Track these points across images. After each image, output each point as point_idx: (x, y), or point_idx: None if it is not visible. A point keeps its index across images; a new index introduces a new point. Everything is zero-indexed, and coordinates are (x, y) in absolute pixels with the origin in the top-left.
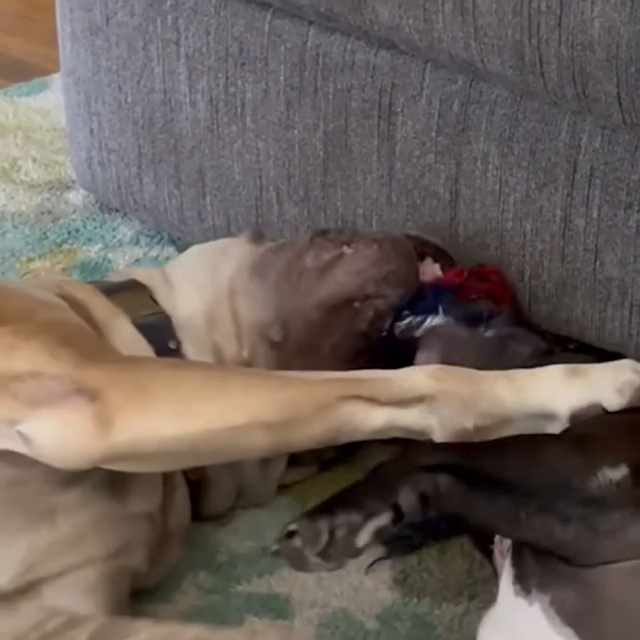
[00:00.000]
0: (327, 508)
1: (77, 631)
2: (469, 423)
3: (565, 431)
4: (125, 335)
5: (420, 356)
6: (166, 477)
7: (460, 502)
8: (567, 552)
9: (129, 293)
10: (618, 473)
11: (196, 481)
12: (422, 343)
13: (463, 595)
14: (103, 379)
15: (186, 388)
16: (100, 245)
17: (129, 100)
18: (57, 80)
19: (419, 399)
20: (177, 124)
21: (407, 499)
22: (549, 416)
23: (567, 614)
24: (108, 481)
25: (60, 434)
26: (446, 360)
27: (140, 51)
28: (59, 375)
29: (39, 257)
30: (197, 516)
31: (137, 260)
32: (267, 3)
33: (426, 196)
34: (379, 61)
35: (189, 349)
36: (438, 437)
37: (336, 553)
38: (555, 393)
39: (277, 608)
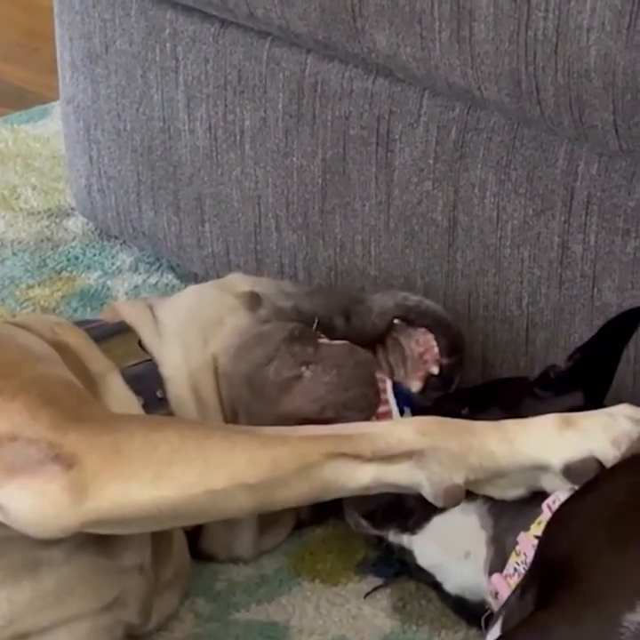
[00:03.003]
0: None
1: None
2: (460, 479)
3: None
4: (114, 388)
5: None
6: (160, 536)
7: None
8: None
9: (116, 340)
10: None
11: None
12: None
13: (461, 623)
14: (80, 443)
15: (163, 450)
16: (100, 272)
17: (128, 127)
18: (56, 108)
19: (407, 454)
20: (176, 151)
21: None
22: (543, 468)
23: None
24: (94, 536)
25: (34, 504)
26: None
27: (139, 79)
28: (36, 439)
29: (38, 284)
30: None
31: (136, 287)
32: (265, 31)
33: (424, 222)
34: (376, 89)
35: (174, 399)
36: (427, 493)
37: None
38: (547, 445)
39: (276, 636)
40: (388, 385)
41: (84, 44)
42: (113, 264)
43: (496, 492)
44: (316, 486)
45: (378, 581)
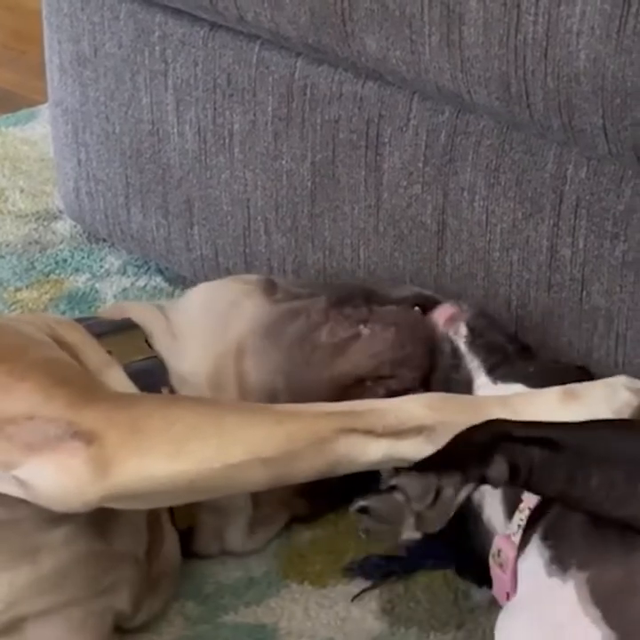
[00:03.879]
0: (433, 465)
1: None
2: None
3: None
4: (113, 382)
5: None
6: (153, 525)
7: (557, 479)
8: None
9: (121, 336)
10: None
11: (185, 528)
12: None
13: (450, 624)
14: (98, 419)
15: (181, 425)
16: (88, 275)
17: (117, 130)
18: (44, 111)
19: (416, 429)
20: (165, 154)
21: (499, 468)
22: None
23: (600, 594)
24: (92, 520)
25: (57, 479)
26: None
27: (128, 81)
28: (54, 417)
29: (26, 287)
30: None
31: (124, 290)
32: (254, 34)
33: (413, 226)
34: (366, 92)
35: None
36: None
37: (431, 516)
38: (551, 417)
39: (264, 638)
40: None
41: (73, 46)
42: (101, 267)
43: None
44: (329, 460)
45: (366, 583)
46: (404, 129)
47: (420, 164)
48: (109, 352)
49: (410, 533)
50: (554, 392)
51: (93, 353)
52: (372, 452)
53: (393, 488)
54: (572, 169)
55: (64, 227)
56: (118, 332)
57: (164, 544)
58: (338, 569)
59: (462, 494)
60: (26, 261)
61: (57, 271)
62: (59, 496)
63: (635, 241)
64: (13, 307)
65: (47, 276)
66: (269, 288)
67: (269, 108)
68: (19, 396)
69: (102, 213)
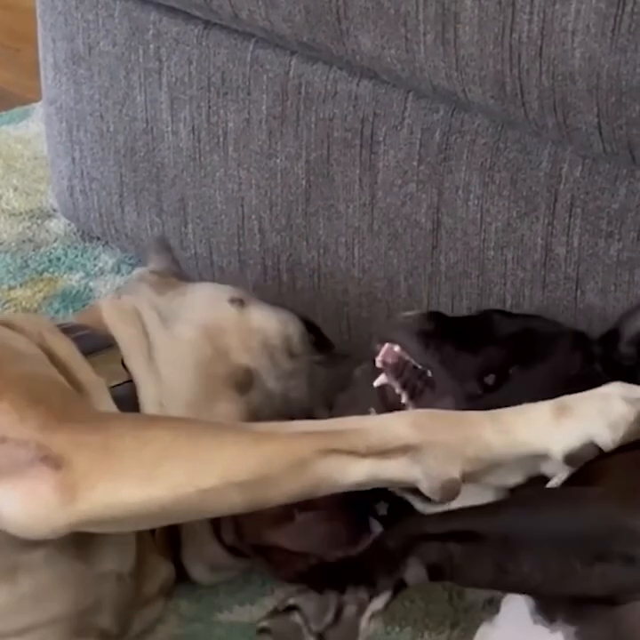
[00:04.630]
0: (334, 581)
1: None
2: (456, 472)
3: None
4: (103, 406)
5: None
6: (143, 544)
7: (485, 570)
8: (620, 592)
9: (102, 358)
10: None
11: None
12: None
13: (445, 624)
14: (68, 443)
15: (154, 448)
16: (82, 274)
17: (111, 128)
18: (38, 109)
19: (402, 449)
20: (159, 152)
21: (415, 572)
22: (542, 457)
23: None
24: (73, 540)
25: (24, 506)
26: None
27: (122, 80)
28: (24, 440)
29: (20, 285)
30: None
31: (118, 289)
32: (249, 33)
33: (407, 224)
34: (361, 91)
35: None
36: (425, 488)
37: (336, 635)
38: (544, 434)
39: None
40: None
41: (67, 45)
42: (95, 265)
43: (494, 480)
44: (308, 483)
45: None
46: (399, 127)
47: (415, 163)
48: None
49: None
50: (545, 407)
51: (84, 372)
52: (354, 473)
53: (290, 608)
54: (567, 168)
55: (58, 225)
56: (102, 352)
57: (157, 565)
58: None
59: (375, 606)
60: (20, 260)
61: (51, 269)
62: (26, 523)
63: (629, 240)
64: (7, 305)
65: (41, 274)
66: (245, 385)
67: (264, 107)
68: None
69: (96, 212)
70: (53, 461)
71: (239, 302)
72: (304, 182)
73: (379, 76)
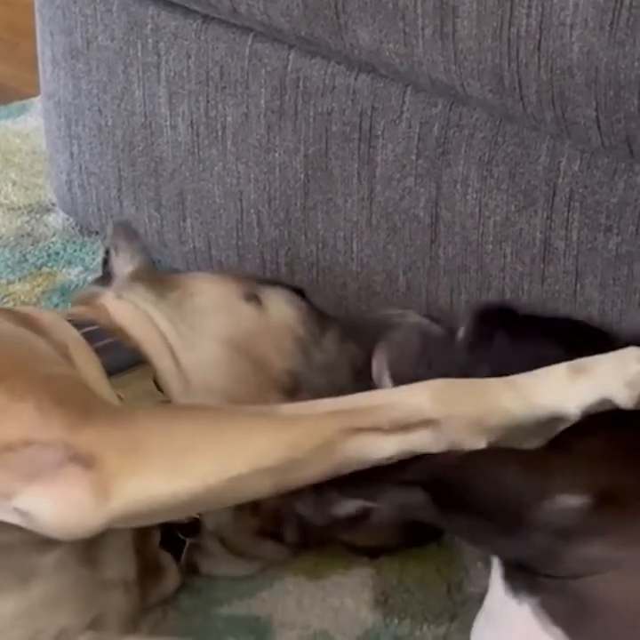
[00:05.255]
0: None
1: None
2: (482, 443)
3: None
4: None
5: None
6: (147, 553)
7: (435, 517)
8: (541, 568)
9: (132, 377)
10: (576, 500)
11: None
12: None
13: (444, 616)
14: (96, 441)
15: (181, 440)
16: (80, 268)
17: (109, 123)
18: (36, 103)
19: (424, 423)
20: (157, 147)
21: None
22: (561, 417)
23: (557, 616)
24: (81, 545)
25: (58, 508)
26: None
27: (121, 74)
28: (51, 441)
29: (19, 280)
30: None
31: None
32: (247, 27)
33: (406, 218)
34: (359, 85)
35: None
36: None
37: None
38: (562, 394)
39: (258, 630)
40: None
41: (65, 39)
42: (94, 260)
43: (515, 443)
44: (335, 462)
45: (362, 574)
46: (397, 121)
47: (414, 157)
48: (119, 396)
49: None
50: (562, 368)
51: (106, 396)
52: (381, 449)
53: None
54: (566, 162)
55: (56, 219)
56: (128, 371)
57: (163, 569)
58: (331, 561)
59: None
60: (18, 254)
61: (49, 264)
62: (62, 525)
63: (628, 233)
64: (5, 299)
65: (39, 268)
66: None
67: (262, 101)
68: (17, 418)
69: (95, 206)
70: (84, 460)
71: (254, 299)
72: (302, 176)
73: (377, 70)
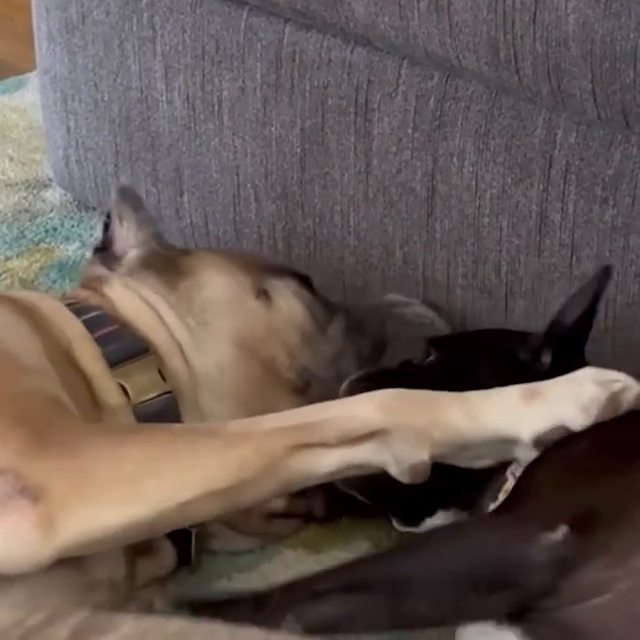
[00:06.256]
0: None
1: (58, 627)
2: (425, 455)
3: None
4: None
5: None
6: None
7: (382, 618)
8: (532, 606)
9: (136, 366)
10: (558, 533)
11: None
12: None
13: None
14: (46, 470)
15: (130, 466)
16: (78, 244)
17: (105, 98)
18: (33, 79)
19: (370, 435)
20: (154, 121)
21: (290, 628)
22: (511, 440)
23: None
24: None
25: (5, 543)
26: None
27: (117, 49)
28: (3, 469)
29: (17, 256)
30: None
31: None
32: (243, 1)
33: (403, 192)
34: (355, 58)
35: (189, 422)
36: (394, 472)
37: None
38: (514, 418)
39: None
40: None
41: (61, 14)
42: (91, 235)
43: (463, 462)
44: (283, 480)
45: (360, 547)
46: (394, 95)
47: (410, 130)
48: (122, 386)
49: None
50: (516, 390)
51: (108, 391)
52: (326, 464)
53: None
54: (562, 134)
55: (54, 195)
56: (132, 361)
57: (157, 550)
58: (332, 534)
59: None
60: (16, 230)
61: (47, 240)
62: (9, 560)
63: (624, 205)
64: (3, 276)
65: (37, 244)
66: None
67: (258, 75)
68: None
69: (92, 181)
70: (32, 493)
71: (264, 295)
72: (299, 150)
73: (373, 44)
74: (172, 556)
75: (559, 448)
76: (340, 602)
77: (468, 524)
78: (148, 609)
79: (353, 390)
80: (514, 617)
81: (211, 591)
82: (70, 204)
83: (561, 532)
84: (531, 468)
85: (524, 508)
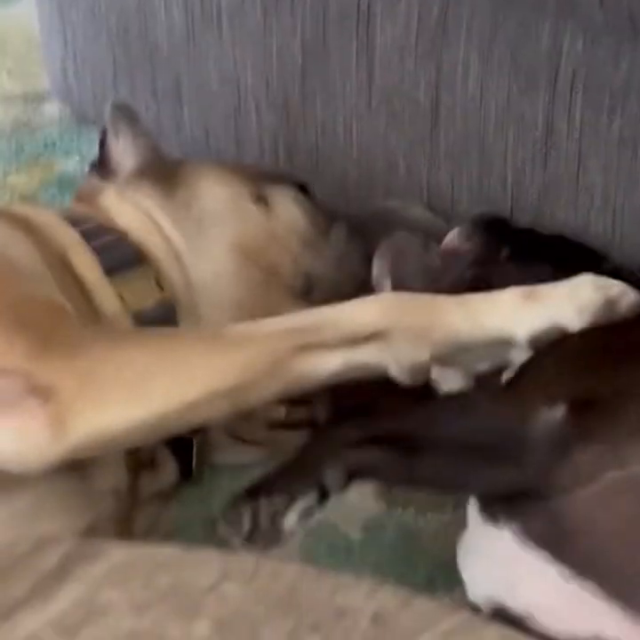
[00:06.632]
0: (250, 492)
1: (48, 553)
2: (425, 356)
3: (493, 380)
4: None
5: (375, 262)
6: (141, 454)
7: (397, 471)
8: (527, 490)
9: (133, 274)
10: (557, 411)
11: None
12: (379, 250)
13: (448, 505)
14: (54, 371)
15: (135, 367)
16: (78, 158)
17: (102, 8)
18: None
19: (372, 336)
20: (152, 32)
21: (333, 477)
22: (508, 341)
23: (538, 539)
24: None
25: (16, 444)
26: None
27: None
28: (11, 370)
29: (16, 171)
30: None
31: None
32: None
33: (406, 103)
34: None
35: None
36: (395, 372)
37: (260, 539)
38: (511, 318)
39: None
40: None
41: None
42: (91, 149)
43: (463, 365)
44: (288, 381)
45: None
46: (396, 2)
47: (413, 39)
48: (120, 295)
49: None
50: (514, 292)
51: (107, 299)
52: (329, 365)
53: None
54: (568, 42)
55: (53, 108)
56: (130, 269)
57: (160, 464)
58: None
59: (294, 511)
60: (15, 144)
61: (46, 154)
62: (19, 459)
63: (632, 116)
64: (3, 191)
65: (36, 159)
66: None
67: None
68: None
69: (90, 94)
70: (41, 393)
71: (262, 202)
72: (300, 61)
73: None
74: (174, 470)
75: (561, 342)
76: (367, 453)
77: (475, 394)
78: (151, 526)
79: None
80: (509, 515)
81: (212, 507)
82: (69, 117)
83: (560, 410)
84: (534, 357)
85: (526, 385)
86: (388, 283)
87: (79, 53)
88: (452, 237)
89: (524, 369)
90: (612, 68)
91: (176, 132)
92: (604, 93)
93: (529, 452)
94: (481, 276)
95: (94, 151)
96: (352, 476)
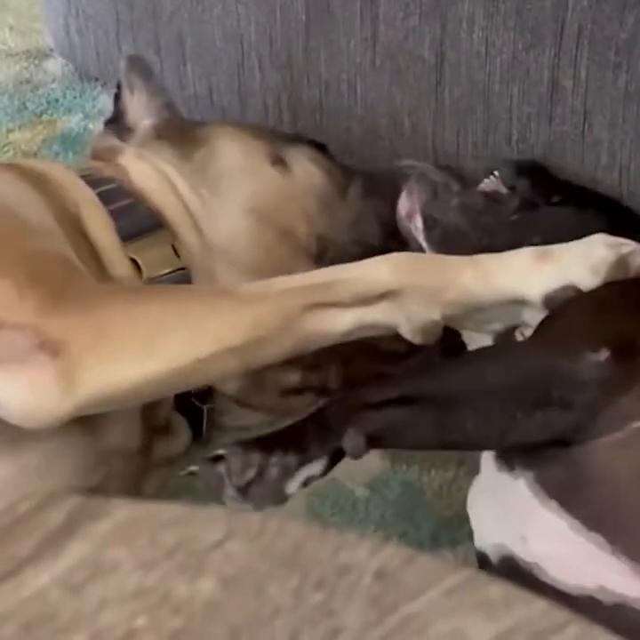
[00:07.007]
0: (264, 443)
1: (52, 511)
2: (437, 315)
3: (539, 330)
4: None
5: (402, 201)
6: (154, 418)
7: (426, 432)
8: (563, 437)
9: (150, 241)
10: (601, 355)
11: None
12: (407, 187)
13: (451, 461)
14: (64, 326)
15: (146, 323)
16: (81, 116)
17: None
18: None
19: (384, 295)
20: None
21: (353, 441)
22: (522, 302)
23: (553, 489)
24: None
25: (26, 398)
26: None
27: None
28: (22, 325)
29: (19, 128)
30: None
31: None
32: None
33: (410, 59)
34: None
35: None
36: (405, 331)
37: (258, 493)
38: (524, 278)
39: None
40: None
41: None
42: (94, 107)
43: (474, 326)
44: (299, 338)
45: None
46: None
47: None
48: (134, 260)
49: (234, 503)
50: (527, 253)
51: (119, 264)
52: (341, 323)
53: (219, 458)
54: None
55: (55, 65)
56: (145, 235)
57: (173, 430)
58: None
59: (310, 472)
60: (17, 101)
61: (49, 111)
62: (29, 415)
63: (638, 71)
64: (6, 148)
65: (40, 116)
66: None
67: None
68: None
69: (93, 51)
70: (51, 348)
71: (280, 162)
72: (304, 17)
73: None
74: (187, 436)
75: (590, 292)
76: (393, 414)
77: (513, 343)
78: (159, 488)
79: None
80: (526, 463)
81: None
82: (72, 74)
83: (604, 354)
84: (564, 306)
85: (568, 331)
86: (417, 220)
87: (82, 10)
88: (492, 181)
89: (555, 318)
90: (618, 23)
91: (179, 89)
92: (609, 48)
93: (578, 393)
94: (529, 221)
95: (98, 108)
96: (372, 440)
